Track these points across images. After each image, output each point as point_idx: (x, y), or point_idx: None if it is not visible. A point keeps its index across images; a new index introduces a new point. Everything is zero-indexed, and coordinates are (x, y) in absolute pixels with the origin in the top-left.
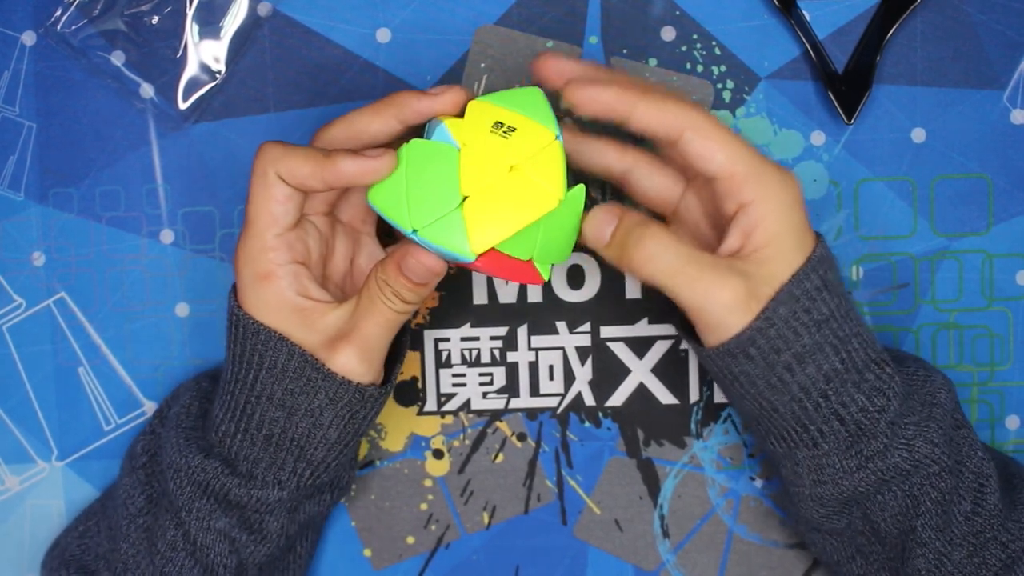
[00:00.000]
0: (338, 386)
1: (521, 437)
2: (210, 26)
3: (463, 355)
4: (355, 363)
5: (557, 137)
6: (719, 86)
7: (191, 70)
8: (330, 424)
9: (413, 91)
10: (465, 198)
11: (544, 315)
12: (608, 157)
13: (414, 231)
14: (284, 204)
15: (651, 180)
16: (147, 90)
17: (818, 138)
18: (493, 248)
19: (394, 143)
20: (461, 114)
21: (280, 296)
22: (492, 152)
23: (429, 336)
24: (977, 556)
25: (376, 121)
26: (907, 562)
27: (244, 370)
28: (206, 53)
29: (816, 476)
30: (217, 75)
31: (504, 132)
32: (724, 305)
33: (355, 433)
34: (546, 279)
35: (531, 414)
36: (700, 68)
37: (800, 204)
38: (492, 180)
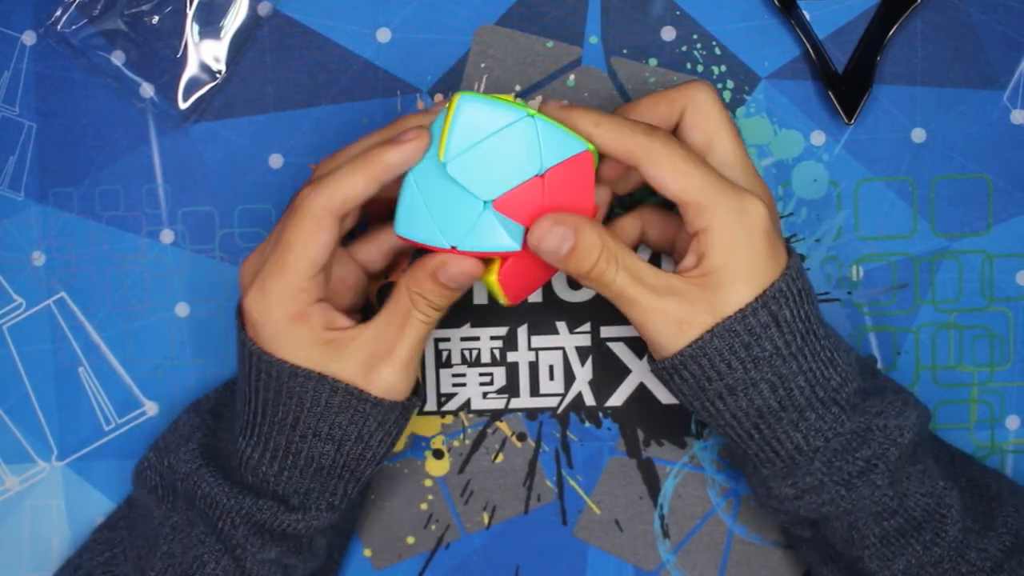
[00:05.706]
0: (386, 410)
1: (521, 437)
2: (210, 26)
3: (463, 355)
4: (396, 380)
5: (592, 151)
6: (719, 86)
7: (191, 70)
8: (379, 444)
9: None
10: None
11: (544, 315)
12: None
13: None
14: (328, 247)
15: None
16: (147, 90)
17: (818, 138)
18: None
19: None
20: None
21: (314, 334)
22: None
23: (429, 336)
24: None
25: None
26: None
27: (281, 412)
28: (206, 53)
29: (764, 492)
30: (217, 75)
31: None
32: (657, 329)
33: (396, 442)
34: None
35: (531, 414)
36: (700, 68)
37: (763, 231)
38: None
